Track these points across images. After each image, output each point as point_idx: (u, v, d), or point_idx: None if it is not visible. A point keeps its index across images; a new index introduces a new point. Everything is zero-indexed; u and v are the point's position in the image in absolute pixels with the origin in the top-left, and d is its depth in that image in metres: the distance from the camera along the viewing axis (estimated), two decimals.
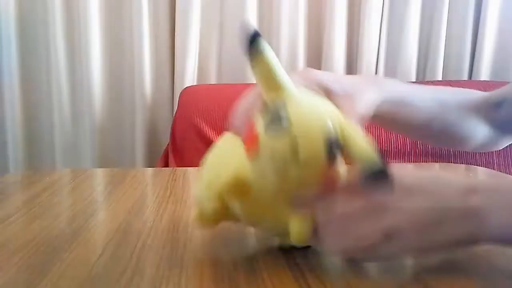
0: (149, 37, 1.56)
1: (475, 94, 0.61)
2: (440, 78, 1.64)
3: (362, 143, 0.35)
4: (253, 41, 0.36)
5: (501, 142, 0.61)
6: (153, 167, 1.55)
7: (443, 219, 0.35)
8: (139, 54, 1.54)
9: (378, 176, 0.34)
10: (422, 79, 1.68)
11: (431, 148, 1.40)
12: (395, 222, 0.35)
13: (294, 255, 0.42)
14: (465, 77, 1.65)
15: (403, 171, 0.38)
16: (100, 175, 0.83)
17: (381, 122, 0.55)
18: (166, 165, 1.44)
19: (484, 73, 1.64)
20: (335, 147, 0.35)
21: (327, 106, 0.39)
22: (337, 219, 0.37)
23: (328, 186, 0.37)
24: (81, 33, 1.52)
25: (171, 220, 0.53)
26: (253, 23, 1.59)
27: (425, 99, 0.56)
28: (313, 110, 0.37)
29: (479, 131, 0.59)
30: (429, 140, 0.72)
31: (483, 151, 0.64)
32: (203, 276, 0.38)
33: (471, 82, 1.59)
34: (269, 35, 1.61)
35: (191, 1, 1.53)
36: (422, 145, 1.39)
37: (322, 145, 0.35)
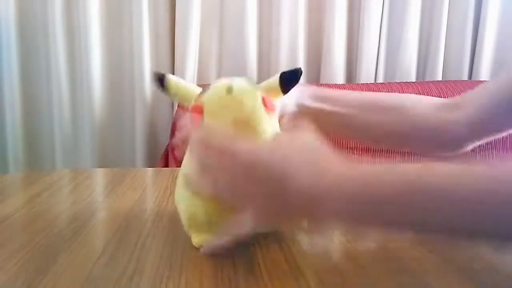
0: (149, 37, 1.56)
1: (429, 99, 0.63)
2: (440, 78, 1.64)
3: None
4: (160, 80, 0.48)
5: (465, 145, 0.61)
6: (153, 167, 1.55)
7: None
8: (139, 54, 1.54)
9: (286, 76, 0.45)
10: (422, 79, 1.68)
11: None
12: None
13: (294, 255, 0.42)
14: (465, 77, 1.65)
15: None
16: (100, 175, 0.83)
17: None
18: (166, 165, 1.44)
19: (484, 73, 1.64)
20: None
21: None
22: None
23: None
24: (81, 34, 1.52)
25: (171, 220, 0.53)
26: (253, 21, 1.59)
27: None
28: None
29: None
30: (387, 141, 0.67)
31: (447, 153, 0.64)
32: (203, 276, 0.38)
33: (471, 82, 1.59)
34: (269, 35, 1.61)
35: (191, 1, 1.53)
36: None
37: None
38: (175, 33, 1.56)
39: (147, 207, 0.59)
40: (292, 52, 1.61)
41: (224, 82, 0.45)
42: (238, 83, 0.45)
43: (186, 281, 0.37)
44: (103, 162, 1.60)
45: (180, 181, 0.47)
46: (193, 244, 0.45)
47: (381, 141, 0.64)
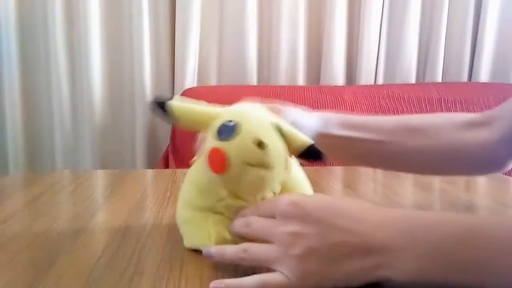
0: (149, 38, 1.56)
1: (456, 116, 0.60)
2: (440, 80, 1.64)
3: (297, 133, 0.42)
4: (161, 105, 0.42)
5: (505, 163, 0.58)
6: (153, 168, 1.55)
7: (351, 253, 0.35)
8: (139, 55, 1.54)
9: (311, 151, 0.41)
10: (422, 80, 1.68)
11: None
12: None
13: None
14: (465, 78, 1.65)
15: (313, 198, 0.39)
16: (100, 177, 0.83)
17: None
18: (167, 166, 1.44)
19: (483, 74, 1.64)
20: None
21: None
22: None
23: None
24: (81, 34, 1.52)
25: (171, 221, 0.53)
26: (253, 23, 1.59)
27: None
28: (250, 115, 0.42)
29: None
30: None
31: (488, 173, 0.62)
32: (203, 276, 0.38)
33: (471, 84, 1.59)
34: (269, 36, 1.62)
35: (191, 1, 1.53)
36: None
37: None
38: (175, 34, 1.56)
39: (147, 208, 0.59)
40: (292, 53, 1.61)
41: (240, 115, 0.41)
42: (267, 134, 0.40)
43: (186, 282, 0.38)
44: (103, 163, 1.60)
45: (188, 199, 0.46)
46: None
47: (415, 167, 0.60)
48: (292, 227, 0.36)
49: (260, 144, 0.39)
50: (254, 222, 0.39)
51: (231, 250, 0.38)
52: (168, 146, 1.49)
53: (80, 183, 0.75)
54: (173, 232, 0.49)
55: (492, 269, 0.32)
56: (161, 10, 1.58)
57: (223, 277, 0.38)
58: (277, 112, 0.48)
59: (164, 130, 1.61)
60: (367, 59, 1.62)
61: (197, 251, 0.44)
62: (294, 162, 0.44)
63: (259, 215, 0.40)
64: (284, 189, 0.43)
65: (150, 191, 0.71)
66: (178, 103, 0.43)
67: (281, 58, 1.60)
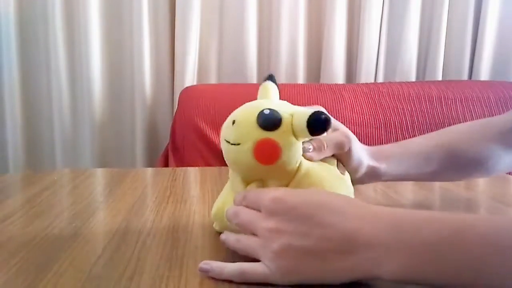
0: (149, 37, 1.55)
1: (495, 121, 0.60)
2: (440, 78, 1.64)
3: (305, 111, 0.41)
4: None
5: None
6: (153, 167, 1.55)
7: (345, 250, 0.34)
8: (139, 54, 1.54)
9: (318, 120, 0.39)
10: (422, 79, 1.68)
11: None
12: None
13: None
14: (465, 77, 1.65)
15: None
16: (100, 175, 0.83)
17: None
18: (166, 165, 1.44)
19: (484, 73, 1.64)
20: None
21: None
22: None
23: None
24: (81, 33, 1.51)
25: (171, 220, 0.53)
26: (253, 21, 1.59)
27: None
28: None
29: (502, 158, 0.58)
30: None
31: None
32: (203, 276, 0.38)
33: (471, 82, 1.59)
34: (269, 35, 1.61)
35: (191, 1, 1.53)
36: None
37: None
38: (175, 32, 1.56)
39: (147, 207, 0.59)
40: (292, 51, 1.61)
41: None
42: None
43: (186, 281, 0.37)
44: (103, 161, 1.60)
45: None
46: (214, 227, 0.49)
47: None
48: (272, 223, 0.37)
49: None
50: (241, 213, 0.41)
51: (232, 238, 0.41)
52: (167, 144, 1.49)
53: (80, 182, 0.75)
54: (173, 231, 0.49)
55: (481, 268, 0.31)
56: (161, 8, 1.57)
57: None
58: (343, 142, 0.47)
59: (164, 128, 1.61)
60: (367, 57, 1.62)
61: (196, 250, 0.44)
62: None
63: (245, 205, 0.41)
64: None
65: (149, 189, 0.71)
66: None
67: (281, 56, 1.60)
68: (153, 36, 1.57)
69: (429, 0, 1.63)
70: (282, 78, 1.61)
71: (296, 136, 0.41)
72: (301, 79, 1.63)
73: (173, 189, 0.69)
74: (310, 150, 0.43)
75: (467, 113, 1.37)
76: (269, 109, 0.41)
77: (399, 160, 0.54)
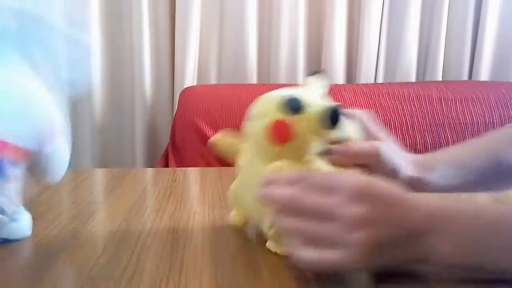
0: (149, 37, 1.56)
1: None
2: (440, 78, 1.64)
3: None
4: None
5: None
6: (153, 167, 1.55)
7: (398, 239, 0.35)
8: (139, 54, 1.54)
9: (333, 114, 0.41)
10: (422, 79, 1.68)
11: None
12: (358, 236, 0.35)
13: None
14: (465, 77, 1.65)
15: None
16: (100, 175, 0.83)
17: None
18: (166, 165, 1.44)
19: (484, 73, 1.64)
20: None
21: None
22: (302, 230, 0.37)
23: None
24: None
25: (171, 220, 0.53)
26: (253, 22, 1.59)
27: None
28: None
29: None
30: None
31: None
32: (203, 276, 0.38)
33: (471, 83, 1.59)
34: (269, 35, 1.61)
35: (191, 1, 1.53)
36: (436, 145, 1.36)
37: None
38: (175, 32, 1.56)
39: (147, 207, 0.59)
40: (292, 52, 1.61)
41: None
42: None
43: (186, 281, 0.37)
44: (103, 162, 1.60)
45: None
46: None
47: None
48: (360, 210, 0.35)
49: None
50: (310, 196, 0.37)
51: (301, 223, 0.37)
52: (168, 145, 1.49)
53: (80, 182, 0.75)
54: (173, 231, 0.49)
55: None
56: (161, 8, 1.57)
57: (223, 276, 0.38)
58: (368, 155, 0.47)
59: (164, 128, 1.61)
60: (367, 58, 1.62)
61: (196, 251, 0.44)
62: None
63: (306, 188, 0.38)
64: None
65: (150, 190, 0.71)
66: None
67: (281, 57, 1.60)
68: (153, 37, 1.57)
69: (429, 0, 1.63)
70: (282, 79, 1.61)
71: (312, 127, 0.41)
72: (301, 79, 1.63)
73: (173, 189, 0.69)
74: (332, 153, 0.44)
75: (467, 113, 1.37)
76: (295, 96, 0.42)
77: (447, 170, 0.51)
